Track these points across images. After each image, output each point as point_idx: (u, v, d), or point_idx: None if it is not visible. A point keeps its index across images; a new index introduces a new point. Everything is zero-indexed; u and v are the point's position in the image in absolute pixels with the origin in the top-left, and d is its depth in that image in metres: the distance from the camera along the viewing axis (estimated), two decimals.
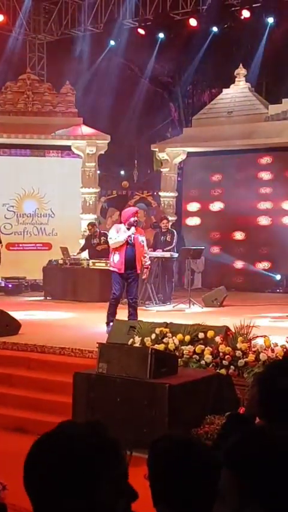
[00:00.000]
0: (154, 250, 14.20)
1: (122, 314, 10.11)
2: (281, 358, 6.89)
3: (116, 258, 9.96)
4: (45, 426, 6.81)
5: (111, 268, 10.14)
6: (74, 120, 18.43)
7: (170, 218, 16.37)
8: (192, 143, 18.14)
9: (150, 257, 13.92)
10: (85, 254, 15.86)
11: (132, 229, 9.93)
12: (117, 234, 9.95)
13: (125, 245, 9.95)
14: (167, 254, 14.01)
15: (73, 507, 1.58)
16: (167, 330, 8.03)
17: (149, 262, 10.50)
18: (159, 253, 14.06)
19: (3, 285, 16.12)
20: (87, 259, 15.39)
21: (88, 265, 15.11)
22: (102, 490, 1.59)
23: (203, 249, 15.56)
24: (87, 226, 16.23)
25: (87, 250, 15.76)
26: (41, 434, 1.74)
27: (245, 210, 17.57)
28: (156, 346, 7.57)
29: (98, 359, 6.95)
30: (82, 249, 15.83)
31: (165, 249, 14.15)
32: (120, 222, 10.44)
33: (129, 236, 9.88)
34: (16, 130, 17.68)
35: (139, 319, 9.47)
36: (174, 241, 14.55)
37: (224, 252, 17.85)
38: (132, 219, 10.03)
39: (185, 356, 7.53)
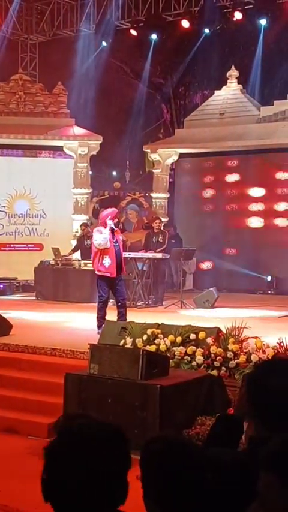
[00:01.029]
0: (146, 251, 14.21)
1: (112, 315, 10.11)
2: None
3: (106, 263, 9.91)
4: (36, 427, 6.86)
5: (100, 273, 10.05)
6: (66, 120, 18.42)
7: (162, 219, 16.38)
8: (184, 144, 18.17)
9: (142, 258, 14.03)
10: (77, 255, 15.84)
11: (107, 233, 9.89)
12: (102, 236, 9.94)
13: (113, 249, 9.95)
14: (159, 255, 14.01)
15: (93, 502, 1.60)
16: (159, 331, 8.04)
17: None
18: (151, 254, 14.05)
19: None
20: (78, 260, 15.38)
21: (80, 266, 15.11)
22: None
23: (195, 250, 15.59)
24: (80, 226, 16.23)
25: (79, 251, 15.75)
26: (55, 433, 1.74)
27: (236, 211, 17.61)
28: (148, 347, 7.57)
29: (89, 360, 6.95)
30: (74, 250, 15.83)
31: (157, 250, 14.15)
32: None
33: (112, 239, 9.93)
34: (8, 130, 17.65)
35: (130, 319, 9.47)
36: (167, 242, 14.55)
37: (215, 254, 17.86)
38: (109, 222, 10.01)
39: (176, 357, 7.54)
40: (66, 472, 1.62)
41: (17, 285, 17.32)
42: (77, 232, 16.98)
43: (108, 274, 9.92)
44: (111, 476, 1.64)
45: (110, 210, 10.59)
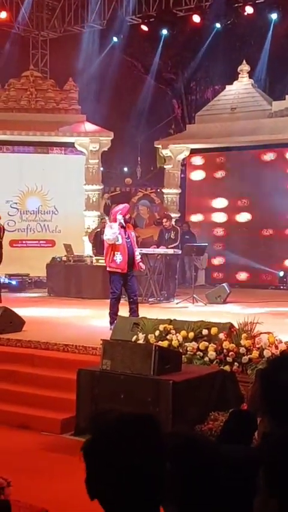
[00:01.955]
0: (158, 247, 14.20)
1: (124, 310, 10.11)
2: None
3: (118, 259, 9.87)
4: (48, 423, 6.87)
5: (112, 270, 10.03)
6: (77, 117, 18.42)
7: (173, 215, 16.36)
8: (195, 140, 18.12)
9: (154, 254, 14.01)
10: (88, 251, 15.83)
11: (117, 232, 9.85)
12: (112, 231, 9.92)
13: (125, 245, 9.91)
14: (170, 251, 14.00)
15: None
16: (171, 326, 8.03)
17: (139, 256, 10.43)
18: (162, 250, 14.04)
19: (7, 281, 16.11)
20: (90, 256, 15.38)
21: (92, 262, 15.11)
22: None
23: (206, 245, 15.57)
24: (102, 222, 15.97)
25: (90, 247, 15.75)
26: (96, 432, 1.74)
27: (249, 206, 17.56)
28: (160, 343, 7.57)
29: (101, 356, 6.95)
30: (96, 246, 15.58)
31: (169, 246, 14.13)
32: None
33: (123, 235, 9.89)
34: (19, 127, 17.69)
35: (142, 315, 9.46)
36: (179, 238, 14.54)
37: (227, 249, 17.84)
38: (119, 217, 10.00)
39: (188, 353, 7.53)
40: (110, 468, 1.62)
41: (29, 281, 17.37)
42: (88, 228, 16.98)
43: (119, 270, 9.90)
44: (150, 466, 1.64)
45: (121, 205, 10.56)
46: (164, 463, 1.67)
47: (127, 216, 10.21)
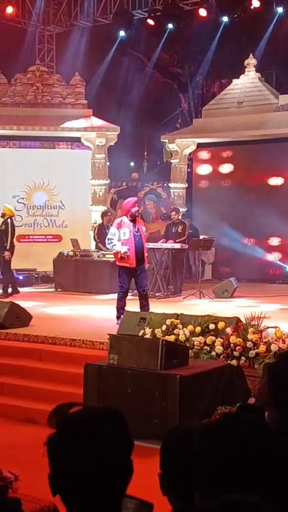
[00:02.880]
0: (166, 241, 14.18)
1: (131, 305, 10.10)
2: None
3: (126, 253, 9.90)
4: None
5: (120, 264, 10.01)
6: (84, 111, 18.40)
7: (180, 209, 16.33)
8: (202, 134, 18.08)
9: (160, 248, 14.00)
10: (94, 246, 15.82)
11: (124, 248, 9.81)
12: (117, 231, 9.87)
13: (133, 239, 9.87)
14: (177, 245, 13.98)
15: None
16: (178, 321, 8.03)
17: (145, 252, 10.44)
18: (169, 244, 14.03)
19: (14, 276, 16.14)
20: (97, 251, 15.38)
21: (98, 257, 15.11)
22: None
23: (213, 240, 15.54)
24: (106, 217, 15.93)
25: (94, 242, 15.74)
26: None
27: (255, 200, 17.51)
28: (167, 338, 7.57)
29: (108, 350, 6.96)
30: (100, 238, 15.51)
31: (177, 241, 14.11)
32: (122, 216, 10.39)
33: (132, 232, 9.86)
34: (26, 122, 17.69)
35: (151, 310, 9.47)
36: (187, 232, 14.51)
37: (234, 244, 17.80)
38: (133, 210, 9.98)
39: (195, 347, 7.53)
40: (73, 462, 1.62)
41: (36, 276, 17.40)
42: (95, 223, 16.98)
43: (128, 265, 9.88)
44: (116, 459, 1.65)
45: (130, 199, 10.52)
46: (129, 455, 1.68)
47: (134, 209, 10.10)
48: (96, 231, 15.82)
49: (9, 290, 14.20)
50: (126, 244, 9.82)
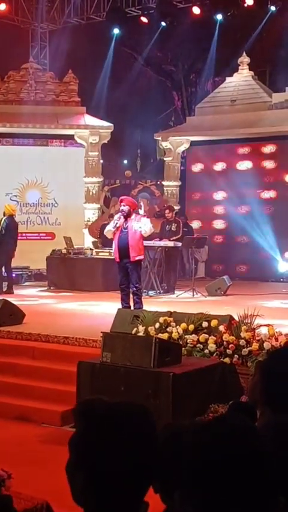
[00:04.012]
0: (160, 240, 14.17)
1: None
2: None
3: (113, 247, 10.22)
4: (49, 415, 6.87)
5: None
6: (77, 109, 18.38)
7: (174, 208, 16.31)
8: (195, 132, 18.09)
9: (154, 246, 13.96)
10: (88, 244, 15.80)
11: (116, 217, 10.15)
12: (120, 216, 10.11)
13: (118, 233, 9.95)
14: (170, 243, 13.98)
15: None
16: (171, 319, 8.03)
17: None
18: (162, 242, 14.02)
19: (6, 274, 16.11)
20: (90, 249, 15.38)
21: (91, 254, 15.11)
22: None
23: (207, 238, 15.55)
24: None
25: (92, 240, 15.75)
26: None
27: (249, 199, 17.54)
28: (160, 335, 7.57)
29: (101, 348, 6.95)
30: (102, 238, 15.57)
31: (171, 239, 14.11)
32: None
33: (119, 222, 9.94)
34: (19, 119, 17.65)
35: (144, 308, 9.47)
36: (181, 231, 14.50)
37: (227, 241, 17.82)
38: (123, 208, 10.07)
39: (188, 345, 7.54)
40: (101, 460, 1.57)
41: (29, 273, 17.37)
42: (88, 221, 16.97)
43: (115, 259, 10.16)
44: (144, 459, 1.59)
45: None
46: (155, 454, 1.64)
47: (126, 207, 10.13)
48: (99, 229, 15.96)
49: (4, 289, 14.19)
50: (113, 239, 10.11)
